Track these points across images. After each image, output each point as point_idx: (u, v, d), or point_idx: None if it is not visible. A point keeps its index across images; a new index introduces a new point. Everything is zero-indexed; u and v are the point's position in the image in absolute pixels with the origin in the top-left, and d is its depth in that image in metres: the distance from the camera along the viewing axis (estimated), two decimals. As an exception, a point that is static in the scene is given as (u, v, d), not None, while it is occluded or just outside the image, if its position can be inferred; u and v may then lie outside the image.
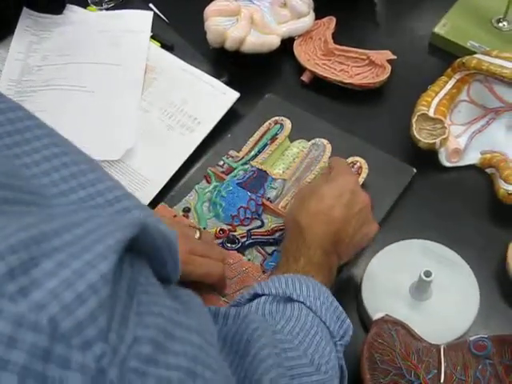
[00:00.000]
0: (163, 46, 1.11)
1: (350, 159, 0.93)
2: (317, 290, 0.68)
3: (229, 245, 0.84)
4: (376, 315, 0.76)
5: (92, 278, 0.32)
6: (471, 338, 0.74)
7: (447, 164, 0.96)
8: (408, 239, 0.86)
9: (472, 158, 0.96)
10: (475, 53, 0.99)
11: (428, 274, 0.78)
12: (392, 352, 0.74)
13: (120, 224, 0.37)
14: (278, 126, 0.97)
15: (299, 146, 0.96)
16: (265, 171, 0.91)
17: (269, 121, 0.98)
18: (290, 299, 0.67)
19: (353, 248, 0.79)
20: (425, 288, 0.80)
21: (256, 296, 0.68)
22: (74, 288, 0.31)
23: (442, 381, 0.72)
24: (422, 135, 0.94)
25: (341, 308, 0.70)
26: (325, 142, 0.94)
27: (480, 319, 0.80)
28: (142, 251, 0.40)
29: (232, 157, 0.94)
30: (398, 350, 0.74)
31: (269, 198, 0.89)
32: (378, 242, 0.88)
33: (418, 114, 0.95)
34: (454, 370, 0.72)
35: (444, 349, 0.74)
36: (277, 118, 0.98)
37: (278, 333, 0.61)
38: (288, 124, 0.97)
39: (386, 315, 0.76)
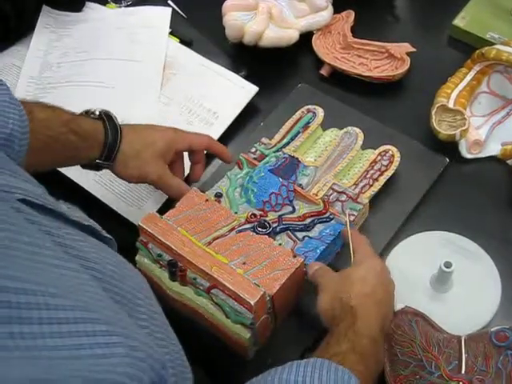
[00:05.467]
0: (182, 42, 1.12)
1: (382, 148, 0.92)
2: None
3: (260, 229, 0.83)
4: (396, 306, 0.76)
5: None
6: (492, 329, 0.73)
7: (468, 156, 0.95)
8: (428, 231, 0.86)
9: (493, 149, 0.95)
10: (495, 44, 0.98)
11: (448, 265, 0.78)
12: (412, 343, 0.74)
13: None
14: (311, 114, 0.97)
15: (331, 135, 0.96)
16: (297, 158, 0.91)
17: (301, 109, 0.98)
18: None
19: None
20: (445, 279, 0.79)
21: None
22: None
23: (462, 372, 0.71)
24: (442, 127, 0.93)
25: None
26: (357, 130, 0.93)
27: (501, 311, 0.79)
28: None
29: (264, 144, 0.93)
30: (418, 342, 0.73)
31: (300, 185, 0.88)
32: (399, 233, 0.87)
33: (438, 105, 0.94)
34: (474, 361, 0.72)
35: (465, 340, 0.73)
36: (309, 106, 0.98)
37: None
38: (321, 113, 0.96)
39: (406, 306, 0.76)
